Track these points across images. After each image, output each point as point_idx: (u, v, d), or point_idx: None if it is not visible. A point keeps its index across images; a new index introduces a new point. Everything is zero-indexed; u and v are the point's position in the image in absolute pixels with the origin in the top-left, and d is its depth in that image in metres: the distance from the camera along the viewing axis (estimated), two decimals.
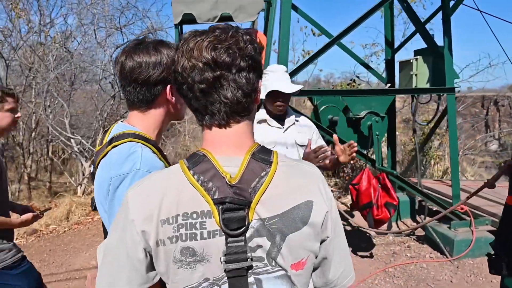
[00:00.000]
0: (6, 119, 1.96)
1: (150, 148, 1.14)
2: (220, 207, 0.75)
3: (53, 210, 5.90)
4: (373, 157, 4.16)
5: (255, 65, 0.81)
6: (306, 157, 2.04)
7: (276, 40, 3.85)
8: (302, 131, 2.35)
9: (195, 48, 0.77)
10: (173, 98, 1.15)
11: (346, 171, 6.88)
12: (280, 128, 2.30)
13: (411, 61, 4.13)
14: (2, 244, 1.94)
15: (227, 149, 0.81)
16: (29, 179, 8.46)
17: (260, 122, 2.31)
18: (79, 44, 6.96)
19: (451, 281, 3.38)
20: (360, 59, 4.80)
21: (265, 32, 3.95)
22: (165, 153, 1.29)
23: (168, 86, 1.13)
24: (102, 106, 7.12)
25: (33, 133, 7.75)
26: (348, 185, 5.32)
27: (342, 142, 3.70)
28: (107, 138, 1.18)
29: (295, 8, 4.37)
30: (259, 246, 0.78)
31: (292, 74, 3.51)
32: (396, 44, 5.03)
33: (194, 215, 0.76)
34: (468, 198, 2.48)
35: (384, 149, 5.52)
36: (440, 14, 4.00)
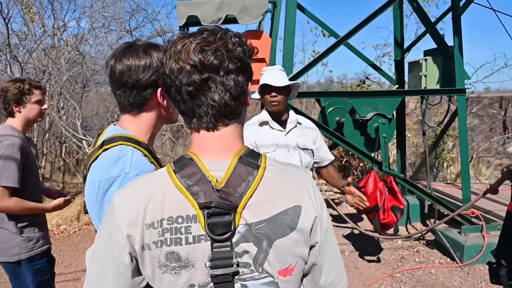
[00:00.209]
0: (34, 110, 2.04)
1: (141, 151, 1.13)
2: (205, 212, 0.74)
3: (64, 210, 6.01)
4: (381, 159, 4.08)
5: (244, 67, 0.79)
6: None
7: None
8: (304, 133, 2.32)
9: (182, 50, 0.76)
10: (165, 101, 1.14)
11: (355, 174, 6.79)
12: (282, 130, 2.27)
13: (420, 61, 4.04)
14: (33, 233, 2.03)
15: (214, 152, 0.80)
16: (43, 179, 8.64)
17: (261, 124, 2.29)
18: (90, 47, 7.09)
19: None
20: (368, 60, 4.73)
21: (271, 34, 3.94)
22: (158, 156, 1.29)
23: (159, 90, 1.12)
24: (113, 108, 7.22)
25: (47, 135, 7.91)
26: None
27: (347, 144, 3.66)
28: (99, 141, 1.19)
29: (302, 9, 4.34)
30: (246, 252, 0.76)
31: (299, 74, 3.48)
32: (408, 44, 4.96)
33: (179, 220, 0.75)
34: (471, 204, 2.41)
35: (395, 151, 5.42)
36: (451, 14, 3.91)
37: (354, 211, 5.29)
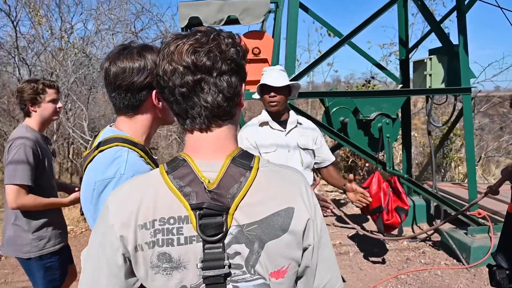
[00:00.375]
0: (48, 109, 2.10)
1: (137, 152, 1.14)
2: (197, 213, 0.74)
3: (71, 212, 6.07)
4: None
5: (237, 68, 0.79)
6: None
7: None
8: (305, 134, 2.31)
9: (175, 51, 0.76)
10: (160, 103, 1.14)
11: (361, 174, 6.74)
12: (282, 131, 2.27)
13: (425, 60, 4.00)
14: (45, 232, 2.07)
15: (208, 153, 0.80)
16: None
17: (261, 124, 2.29)
18: (97, 49, 7.16)
19: None
20: (373, 60, 4.69)
21: (274, 34, 3.93)
22: (155, 157, 1.29)
23: (154, 91, 1.12)
24: None
25: (55, 136, 8.01)
26: None
27: (351, 144, 3.63)
28: (95, 143, 1.20)
29: (305, 9, 4.33)
30: (238, 253, 0.76)
31: (301, 75, 3.46)
32: (414, 43, 4.91)
33: (171, 221, 0.75)
34: (470, 205, 2.37)
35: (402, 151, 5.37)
36: (456, 12, 3.85)
37: (360, 211, 5.25)
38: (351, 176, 2.13)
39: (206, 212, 0.74)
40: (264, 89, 2.17)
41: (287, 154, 2.25)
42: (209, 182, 0.76)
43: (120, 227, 0.76)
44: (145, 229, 0.75)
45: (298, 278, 0.85)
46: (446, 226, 4.28)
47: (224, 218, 0.75)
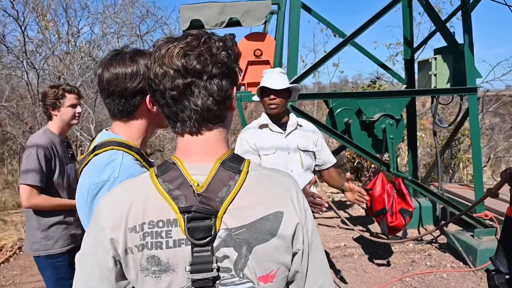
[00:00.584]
0: (67, 114, 2.17)
1: (132, 155, 1.14)
2: (185, 216, 0.74)
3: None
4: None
5: (228, 72, 0.79)
6: (302, 190, 2.01)
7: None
8: (305, 136, 2.30)
9: (166, 54, 0.76)
10: (154, 107, 1.15)
11: (367, 175, 6.69)
12: (282, 133, 2.26)
13: (430, 60, 3.95)
14: (55, 233, 2.13)
15: (198, 156, 0.80)
16: None
17: (261, 127, 2.28)
18: (103, 52, 7.24)
19: None
20: (377, 60, 4.65)
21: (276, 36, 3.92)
22: (151, 160, 1.30)
23: (148, 96, 1.12)
24: None
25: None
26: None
27: (355, 146, 3.60)
28: (92, 147, 1.21)
29: (308, 9, 4.31)
30: (226, 257, 0.76)
31: (303, 76, 3.45)
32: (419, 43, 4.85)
33: (160, 224, 0.75)
34: (468, 209, 2.33)
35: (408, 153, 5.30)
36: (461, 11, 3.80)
37: (365, 213, 5.21)
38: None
39: (194, 215, 0.74)
40: (264, 91, 2.16)
41: (287, 157, 2.23)
42: (198, 185, 0.76)
43: (111, 230, 0.77)
44: (134, 232, 0.76)
45: (289, 282, 0.84)
46: (453, 228, 4.21)
47: (212, 222, 0.75)
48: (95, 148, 1.16)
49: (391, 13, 3.50)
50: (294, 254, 0.81)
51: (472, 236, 3.66)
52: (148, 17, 6.66)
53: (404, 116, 5.16)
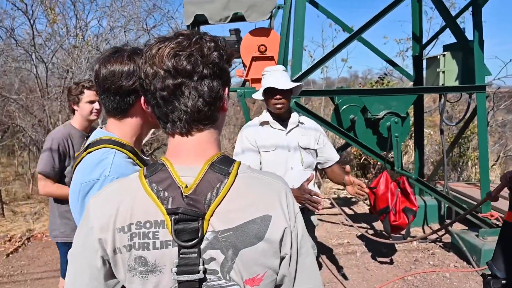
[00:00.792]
0: (86, 109, 2.26)
1: (125, 153, 1.15)
2: (173, 218, 0.75)
3: None
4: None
5: (220, 72, 0.79)
6: (300, 188, 1.99)
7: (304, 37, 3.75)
8: (306, 133, 2.29)
9: (157, 55, 0.76)
10: (149, 107, 1.15)
11: (373, 172, 6.63)
12: (283, 130, 2.25)
13: (438, 57, 3.87)
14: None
15: (188, 158, 0.80)
16: None
17: (262, 124, 2.28)
18: (111, 46, 7.26)
19: None
20: (385, 56, 4.58)
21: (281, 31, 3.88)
22: (146, 158, 1.30)
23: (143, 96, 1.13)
24: None
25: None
26: None
27: (359, 144, 3.57)
28: (86, 144, 1.22)
29: (315, 4, 4.26)
30: (213, 259, 0.76)
31: (309, 72, 3.41)
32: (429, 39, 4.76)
33: (147, 225, 0.76)
34: (471, 210, 2.30)
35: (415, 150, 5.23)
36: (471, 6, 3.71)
37: (368, 211, 5.18)
38: (347, 167, 2.08)
39: (181, 217, 0.74)
40: (269, 91, 2.15)
41: (287, 154, 2.23)
42: (186, 187, 0.76)
43: (100, 230, 0.77)
44: (122, 232, 0.76)
45: (278, 286, 0.84)
46: (458, 228, 4.17)
47: (199, 224, 0.75)
48: (88, 146, 1.17)
49: (402, 8, 3.44)
50: (282, 258, 0.80)
51: (477, 236, 3.62)
52: (155, 11, 6.66)
53: (412, 113, 5.10)
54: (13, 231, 4.94)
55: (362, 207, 5.60)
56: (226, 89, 0.83)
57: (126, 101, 1.15)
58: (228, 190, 0.76)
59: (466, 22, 7.76)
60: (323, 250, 4.05)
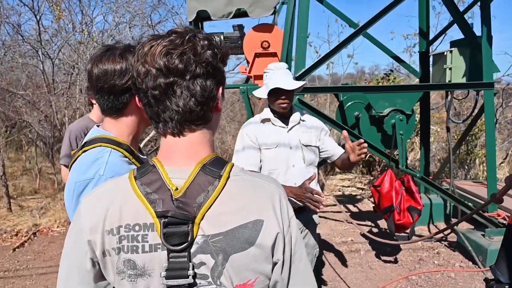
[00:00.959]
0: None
1: (121, 152, 1.14)
2: (162, 221, 0.73)
3: None
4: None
5: (214, 71, 0.77)
6: (301, 186, 1.96)
7: (310, 32, 3.70)
8: (308, 131, 2.26)
9: (149, 53, 0.75)
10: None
11: (378, 170, 6.57)
12: (284, 127, 2.22)
13: (445, 53, 3.80)
14: None
15: (180, 159, 0.79)
16: None
17: (263, 121, 2.25)
18: (116, 42, 7.26)
19: None
20: (390, 52, 4.51)
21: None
22: (143, 157, 1.29)
23: None
24: None
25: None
26: None
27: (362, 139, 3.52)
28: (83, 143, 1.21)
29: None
30: (203, 263, 0.75)
31: (313, 68, 3.37)
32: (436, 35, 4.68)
33: (137, 227, 0.75)
34: (476, 211, 2.25)
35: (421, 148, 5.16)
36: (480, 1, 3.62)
37: (373, 209, 5.14)
38: (344, 132, 2.00)
39: (170, 220, 0.73)
40: (274, 91, 2.12)
41: (288, 151, 2.20)
42: (176, 189, 0.74)
43: (89, 232, 0.76)
44: (111, 234, 0.75)
45: None
46: (464, 227, 4.11)
47: (189, 227, 0.73)
48: (84, 144, 1.16)
49: (410, 2, 3.37)
50: (274, 264, 0.79)
51: (483, 235, 3.56)
52: (159, 7, 6.64)
53: (418, 110, 5.02)
54: (20, 226, 5.00)
55: (367, 205, 5.56)
56: (220, 88, 0.81)
57: (121, 100, 1.14)
58: (219, 193, 0.75)
59: (474, 17, 7.62)
60: (326, 248, 4.02)
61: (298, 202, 1.99)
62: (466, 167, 6.94)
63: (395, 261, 3.74)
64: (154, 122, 0.79)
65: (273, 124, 2.23)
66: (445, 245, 4.00)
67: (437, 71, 4.00)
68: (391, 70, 6.88)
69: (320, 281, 3.25)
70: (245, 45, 3.39)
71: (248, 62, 3.49)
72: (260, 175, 0.84)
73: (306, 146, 2.23)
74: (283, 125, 2.22)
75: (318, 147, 2.28)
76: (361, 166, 7.38)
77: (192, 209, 0.73)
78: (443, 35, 5.30)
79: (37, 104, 7.50)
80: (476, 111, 4.17)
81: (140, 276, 0.75)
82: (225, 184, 0.76)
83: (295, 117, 2.24)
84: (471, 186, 4.67)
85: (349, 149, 2.00)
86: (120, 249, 0.74)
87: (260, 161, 2.20)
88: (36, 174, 7.18)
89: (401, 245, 4.01)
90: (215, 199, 0.74)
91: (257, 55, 3.35)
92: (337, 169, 7.53)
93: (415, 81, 4.70)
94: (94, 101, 2.36)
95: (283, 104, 2.13)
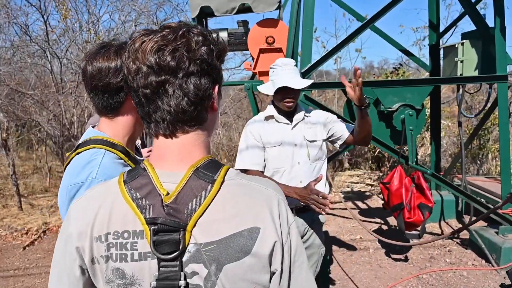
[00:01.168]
0: None
1: (116, 154, 1.11)
2: (152, 228, 0.69)
3: None
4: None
5: (209, 69, 0.73)
6: (306, 187, 1.90)
7: (317, 27, 3.62)
8: (312, 126, 2.20)
9: (140, 49, 0.70)
10: None
11: (388, 165, 6.47)
12: (288, 124, 2.17)
13: (456, 46, 3.68)
14: None
15: (173, 162, 0.75)
16: None
17: (267, 118, 2.21)
18: (113, 39, 7.27)
19: None
20: (399, 45, 4.40)
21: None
22: (140, 158, 1.26)
23: None
24: None
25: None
26: None
27: (372, 138, 3.44)
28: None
29: None
30: (195, 273, 0.71)
31: (319, 63, 3.29)
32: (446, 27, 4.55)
33: (125, 235, 0.71)
34: (493, 210, 2.17)
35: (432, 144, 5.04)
36: None
37: (382, 207, 5.06)
38: (342, 77, 1.93)
39: (160, 227, 0.69)
40: (281, 89, 2.06)
41: (293, 149, 2.16)
42: (167, 194, 0.70)
43: (77, 238, 0.73)
44: (99, 242, 0.72)
45: None
46: (476, 224, 4.00)
47: (181, 235, 0.69)
48: (78, 146, 1.13)
49: None
50: (272, 273, 0.74)
51: (497, 233, 3.47)
52: (165, 4, 6.61)
53: (428, 105, 4.91)
54: (30, 224, 5.06)
55: (376, 201, 5.47)
56: (216, 87, 0.76)
57: (116, 99, 1.11)
58: (213, 199, 0.70)
59: (487, 8, 7.42)
60: (334, 245, 3.97)
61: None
62: (479, 162, 6.79)
63: (405, 259, 3.67)
64: (146, 122, 0.76)
65: (277, 121, 2.19)
66: (457, 242, 3.90)
67: (448, 64, 3.89)
68: (400, 64, 6.75)
69: (327, 280, 3.20)
70: (250, 41, 3.33)
71: (253, 58, 3.44)
72: (258, 178, 0.79)
73: (311, 142, 2.18)
74: (287, 121, 2.18)
75: (325, 140, 2.22)
76: (370, 162, 7.28)
77: (183, 216, 0.69)
78: (454, 27, 5.16)
79: (46, 103, 7.57)
80: (489, 105, 4.05)
81: (130, 285, 0.71)
82: (219, 189, 0.71)
83: (299, 113, 2.19)
84: (484, 182, 4.55)
85: (350, 92, 1.90)
86: (109, 257, 0.71)
87: (264, 160, 2.16)
88: (46, 172, 7.26)
89: (411, 242, 3.93)
90: (208, 205, 0.70)
91: (261, 51, 3.29)
92: (345, 165, 7.44)
93: (425, 75, 4.59)
94: None
95: (289, 103, 2.09)
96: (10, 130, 6.70)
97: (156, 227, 0.69)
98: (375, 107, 3.50)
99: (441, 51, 4.26)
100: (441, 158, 5.03)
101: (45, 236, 4.76)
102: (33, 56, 7.74)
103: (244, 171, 2.17)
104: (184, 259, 0.70)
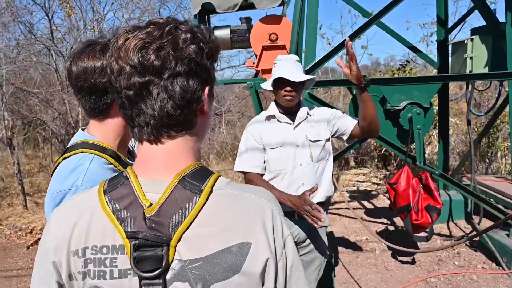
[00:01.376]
0: None
1: (106, 159, 1.05)
2: (132, 243, 0.64)
3: None
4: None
5: (198, 69, 0.66)
6: (300, 197, 1.84)
7: (322, 24, 3.54)
8: (316, 125, 2.13)
9: (123, 47, 0.64)
10: None
11: (394, 164, 6.36)
12: (290, 123, 2.10)
13: (466, 42, 3.57)
14: None
15: (157, 170, 0.69)
16: None
17: (268, 118, 2.14)
18: (100, 36, 7.26)
19: None
20: (406, 42, 4.30)
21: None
22: (132, 162, 1.20)
23: None
24: None
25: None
26: None
27: (378, 137, 3.35)
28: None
29: None
30: None
31: (322, 61, 3.21)
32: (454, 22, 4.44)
33: (104, 250, 0.65)
34: (508, 218, 2.07)
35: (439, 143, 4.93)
36: None
37: (389, 208, 4.96)
38: (337, 60, 1.87)
39: (142, 242, 0.63)
40: (279, 82, 1.99)
41: (295, 150, 2.09)
42: (150, 205, 0.64)
43: (54, 252, 0.68)
44: (77, 256, 0.67)
45: None
46: (486, 226, 3.90)
47: (164, 251, 0.63)
48: (66, 150, 1.08)
49: None
50: None
51: (508, 235, 3.37)
52: (168, 2, 6.57)
53: (436, 102, 4.80)
54: (34, 223, 5.06)
55: (383, 201, 5.38)
56: (207, 89, 0.70)
57: (104, 100, 1.05)
58: (199, 211, 0.64)
59: (497, 2, 7.25)
60: (340, 247, 3.89)
61: None
62: (487, 160, 6.65)
63: (413, 262, 3.58)
64: (130, 126, 0.70)
65: (278, 121, 2.12)
66: (466, 244, 3.80)
67: (456, 61, 3.78)
68: (407, 61, 6.62)
69: (332, 282, 3.13)
70: (252, 38, 3.26)
71: (255, 55, 3.37)
72: (250, 187, 0.72)
73: (314, 142, 2.10)
74: (289, 121, 2.10)
75: (330, 138, 2.14)
76: (376, 160, 7.17)
77: (166, 230, 0.63)
78: (463, 22, 5.03)
79: (51, 102, 7.58)
80: (499, 102, 3.94)
81: None
82: (207, 200, 0.65)
83: (302, 112, 2.11)
84: (494, 182, 4.43)
85: (346, 70, 1.81)
86: (86, 274, 0.66)
87: (264, 162, 2.09)
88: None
89: (419, 245, 3.84)
90: (194, 218, 0.64)
91: (265, 48, 3.22)
92: (351, 163, 7.34)
93: (433, 72, 4.48)
94: None
95: (287, 97, 1.99)
96: (15, 129, 6.71)
97: (137, 242, 0.63)
98: (381, 105, 3.41)
99: (450, 47, 4.14)
100: (449, 156, 4.92)
101: None
102: (38, 55, 7.75)
103: (244, 173, 2.11)
104: (168, 277, 0.64)
